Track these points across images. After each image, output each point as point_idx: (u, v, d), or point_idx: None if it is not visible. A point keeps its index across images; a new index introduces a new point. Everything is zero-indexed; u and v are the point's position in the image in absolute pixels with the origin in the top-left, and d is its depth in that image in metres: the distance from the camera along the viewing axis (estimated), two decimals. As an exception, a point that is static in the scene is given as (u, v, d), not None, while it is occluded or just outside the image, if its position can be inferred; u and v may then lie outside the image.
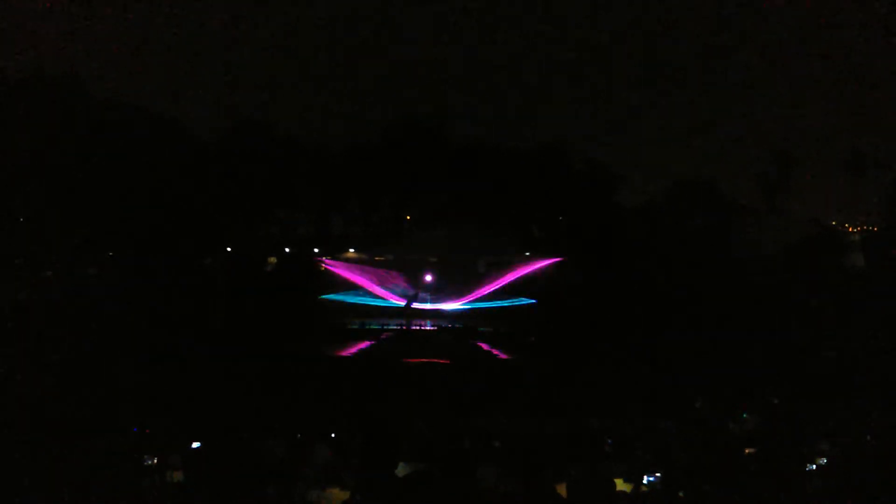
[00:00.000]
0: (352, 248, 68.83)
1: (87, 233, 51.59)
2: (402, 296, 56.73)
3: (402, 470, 11.52)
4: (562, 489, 10.85)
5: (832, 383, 23.86)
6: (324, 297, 54.84)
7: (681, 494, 11.07)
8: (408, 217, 72.30)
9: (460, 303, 56.28)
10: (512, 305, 54.78)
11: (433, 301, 56.66)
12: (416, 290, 57.42)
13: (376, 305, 56.09)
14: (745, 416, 17.11)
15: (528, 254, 63.35)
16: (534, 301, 54.31)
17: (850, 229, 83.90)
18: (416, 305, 55.67)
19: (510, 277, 57.44)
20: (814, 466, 12.60)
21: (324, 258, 62.21)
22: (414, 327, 51.09)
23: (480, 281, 58.18)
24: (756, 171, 78.80)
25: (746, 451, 13.44)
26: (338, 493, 10.38)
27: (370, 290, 57.33)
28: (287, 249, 65.84)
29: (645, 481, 11.87)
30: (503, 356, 42.15)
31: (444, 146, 70.10)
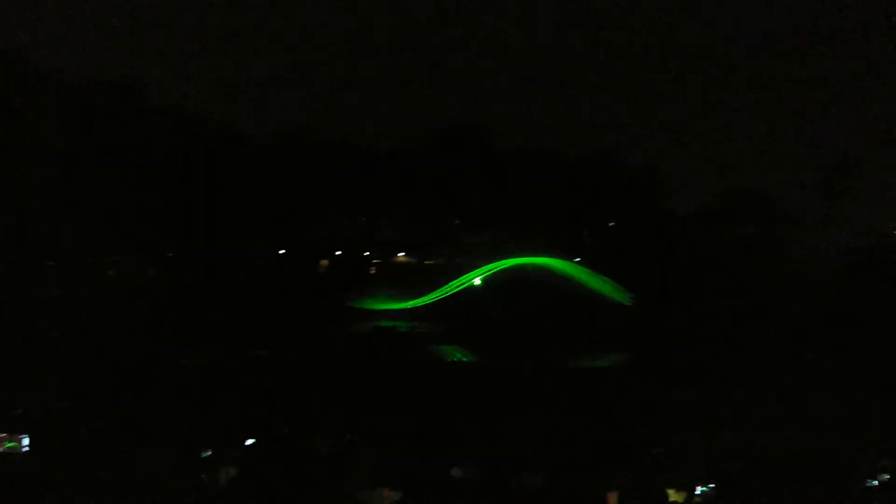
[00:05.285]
0: (401, 251, 69.28)
1: (145, 234, 53.06)
2: None
3: (454, 472, 11.61)
4: (613, 498, 10.76)
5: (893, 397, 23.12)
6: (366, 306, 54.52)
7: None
8: (457, 221, 72.38)
9: None
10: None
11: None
12: None
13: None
14: None
15: (577, 259, 62.85)
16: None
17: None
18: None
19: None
20: (875, 482, 12.22)
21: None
22: None
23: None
24: (816, 177, 76.42)
25: (805, 464, 13.10)
26: (388, 494, 10.45)
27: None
28: (338, 252, 66.57)
29: (698, 492, 11.67)
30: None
31: (494, 150, 70.11)
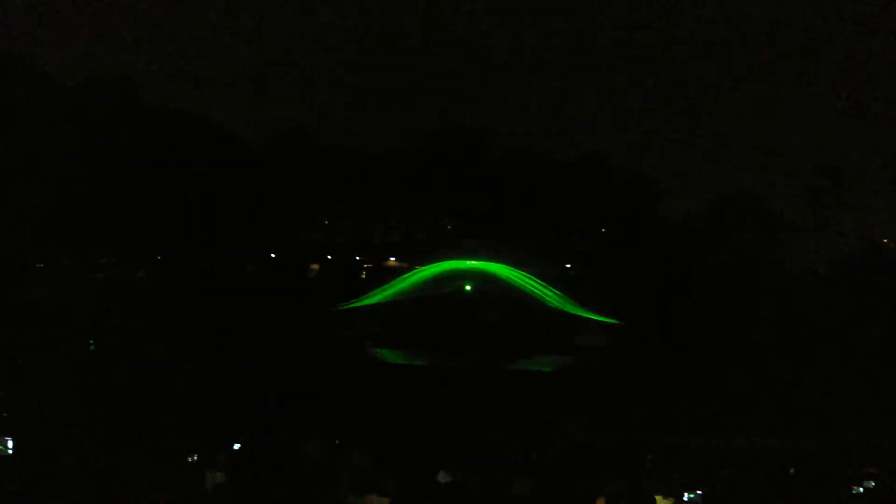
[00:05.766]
0: (392, 256, 69.08)
1: (135, 236, 52.75)
2: None
3: (441, 478, 11.59)
4: None
5: (879, 406, 23.25)
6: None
7: (722, 513, 10.91)
8: (448, 226, 72.26)
9: None
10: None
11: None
12: None
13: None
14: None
15: (568, 266, 62.89)
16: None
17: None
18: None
19: None
20: (861, 490, 12.26)
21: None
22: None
23: None
24: (805, 184, 76.66)
25: (791, 471, 13.17)
26: (377, 500, 10.43)
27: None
28: (329, 257, 66.33)
29: (685, 498, 11.70)
30: None
31: (485, 155, 70.05)
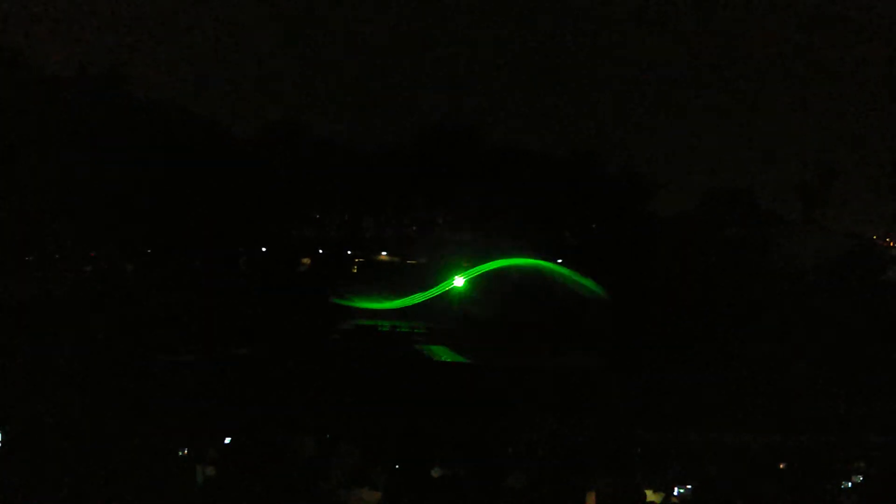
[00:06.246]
0: (384, 250, 69.15)
1: (125, 230, 52.53)
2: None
3: (434, 472, 11.61)
4: (591, 498, 10.80)
5: (868, 401, 23.42)
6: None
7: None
8: (440, 220, 72.37)
9: None
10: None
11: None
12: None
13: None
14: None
15: (559, 261, 63.04)
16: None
17: (892, 244, 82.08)
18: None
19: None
20: (849, 484, 12.36)
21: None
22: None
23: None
24: (796, 181, 77.34)
25: (780, 465, 13.26)
26: (368, 494, 10.42)
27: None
28: (321, 251, 66.32)
29: (675, 493, 11.75)
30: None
31: (477, 150, 70.08)
